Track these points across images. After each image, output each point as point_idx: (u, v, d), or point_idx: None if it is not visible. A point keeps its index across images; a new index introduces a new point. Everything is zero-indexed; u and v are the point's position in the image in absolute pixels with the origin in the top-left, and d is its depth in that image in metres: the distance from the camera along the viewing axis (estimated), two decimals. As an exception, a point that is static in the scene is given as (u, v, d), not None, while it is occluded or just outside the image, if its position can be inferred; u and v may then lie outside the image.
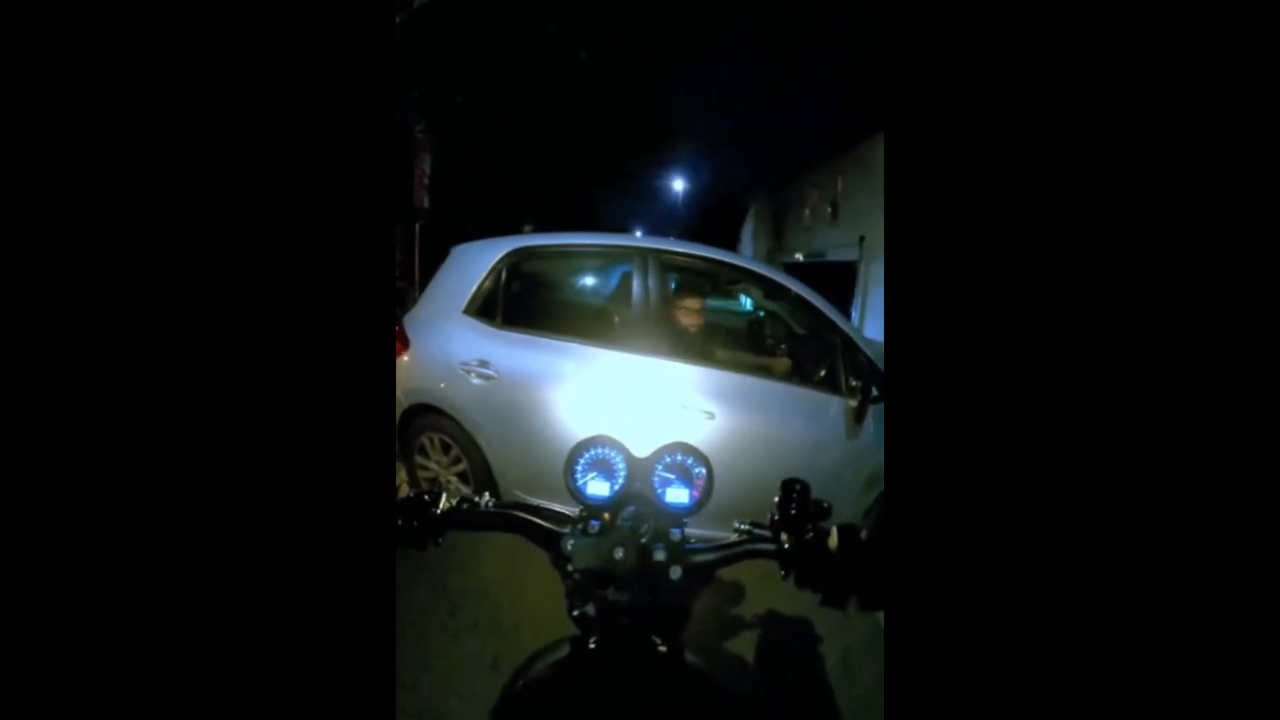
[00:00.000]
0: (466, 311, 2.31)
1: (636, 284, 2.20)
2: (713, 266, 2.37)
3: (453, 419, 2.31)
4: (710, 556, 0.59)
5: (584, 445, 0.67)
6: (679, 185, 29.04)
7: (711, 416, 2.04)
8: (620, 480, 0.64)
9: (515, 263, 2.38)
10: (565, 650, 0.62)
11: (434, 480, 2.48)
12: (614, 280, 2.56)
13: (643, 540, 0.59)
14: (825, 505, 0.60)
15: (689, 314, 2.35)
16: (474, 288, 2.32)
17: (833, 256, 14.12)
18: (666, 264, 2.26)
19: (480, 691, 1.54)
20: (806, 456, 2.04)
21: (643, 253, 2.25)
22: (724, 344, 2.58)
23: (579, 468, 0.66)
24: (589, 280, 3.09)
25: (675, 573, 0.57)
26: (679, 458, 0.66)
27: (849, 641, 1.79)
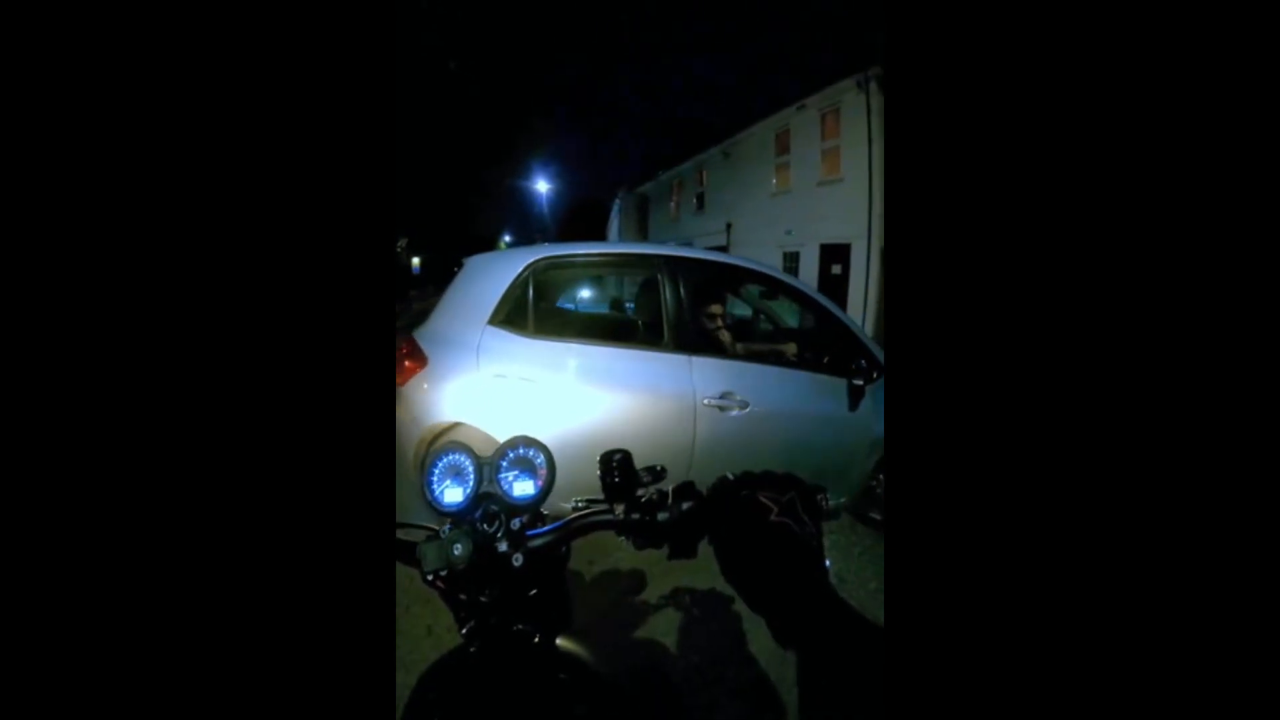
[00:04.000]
0: (493, 323, 2.22)
1: (665, 290, 2.33)
2: (726, 270, 2.57)
3: (482, 432, 2.15)
4: (548, 538, 0.63)
5: (435, 454, 0.68)
6: (543, 187, 28.73)
7: (745, 406, 2.18)
8: (470, 484, 0.67)
9: (540, 273, 2.33)
10: (450, 662, 0.67)
11: None
12: (628, 288, 2.55)
13: (489, 533, 0.62)
14: (659, 469, 0.66)
15: (712, 313, 2.53)
16: (498, 299, 2.24)
17: (701, 244, 14.88)
18: (687, 270, 2.38)
19: (420, 659, 1.61)
20: (823, 430, 2.31)
21: (666, 261, 2.36)
22: (740, 339, 2.72)
23: (434, 477, 0.67)
24: (607, 288, 3.07)
25: (517, 560, 0.60)
26: (520, 451, 0.70)
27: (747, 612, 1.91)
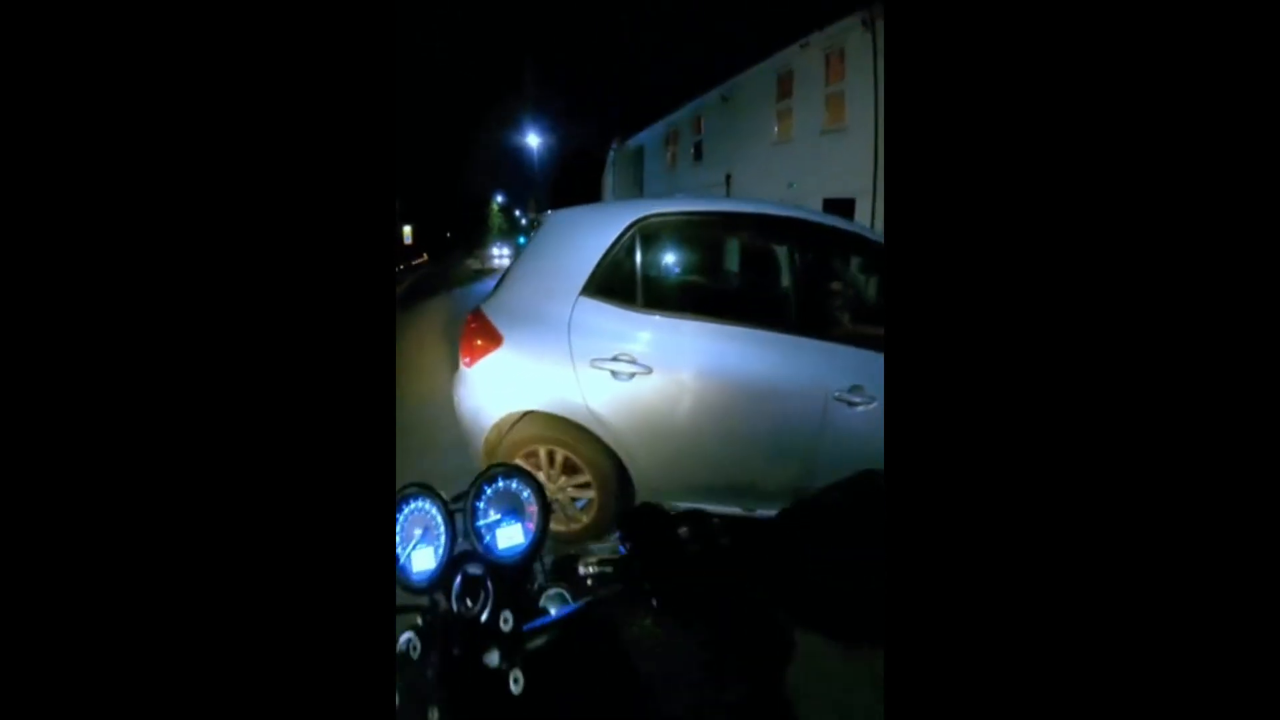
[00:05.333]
0: (587, 294, 1.85)
1: (795, 259, 1.98)
2: (849, 239, 2.16)
3: (573, 425, 1.86)
4: (554, 634, 0.45)
5: (398, 500, 0.54)
6: (534, 141, 27.60)
7: (872, 401, 1.81)
8: (442, 542, 0.53)
9: (646, 233, 1.91)
10: None
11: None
12: (735, 253, 2.29)
13: (470, 615, 0.47)
14: (702, 514, 0.49)
15: (834, 289, 2.22)
16: (594, 264, 1.86)
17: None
18: (816, 236, 2.06)
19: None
20: None
21: (795, 225, 2.00)
22: (855, 321, 2.31)
23: (400, 538, 0.52)
24: (720, 253, 2.69)
25: (516, 684, 0.41)
26: (501, 485, 0.56)
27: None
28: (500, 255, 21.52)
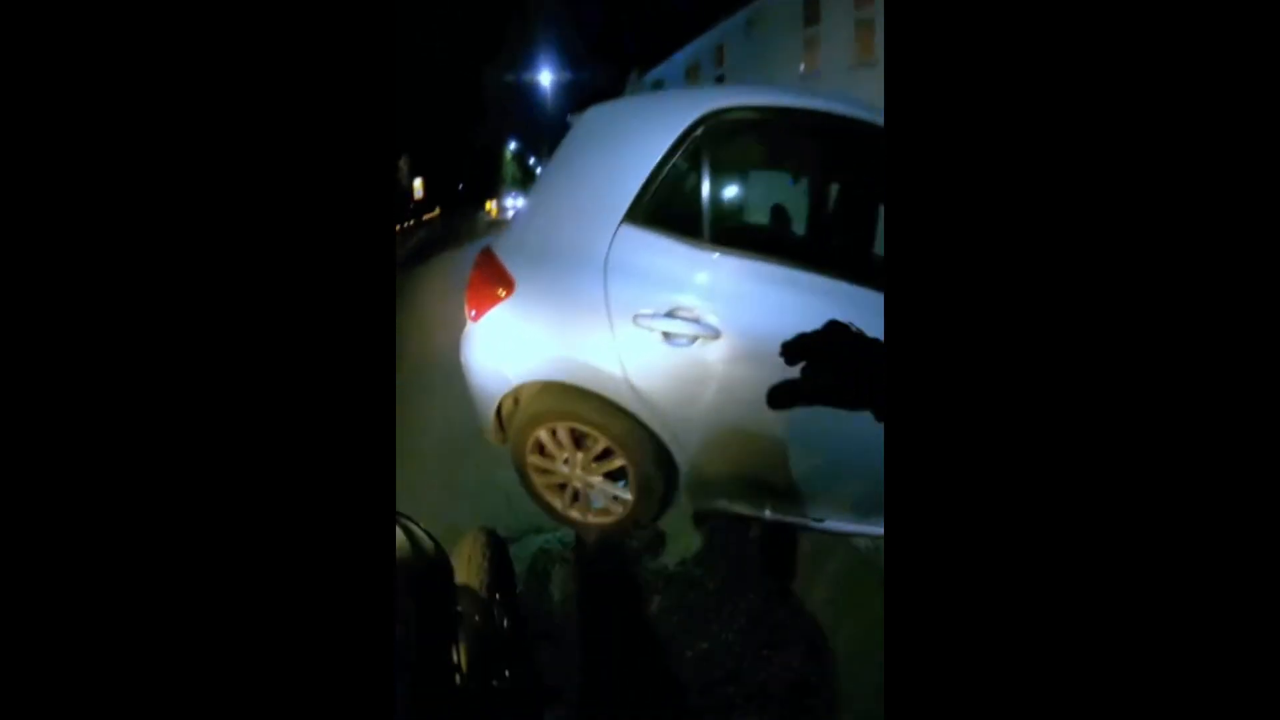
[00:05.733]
0: (632, 221, 1.29)
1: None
2: None
3: (605, 401, 1.38)
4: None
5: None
6: (547, 80, 26.30)
7: None
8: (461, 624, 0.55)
9: (718, 135, 1.29)
10: None
11: (562, 487, 1.64)
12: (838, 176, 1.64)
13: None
14: None
15: None
16: (644, 179, 1.27)
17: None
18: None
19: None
20: None
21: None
22: None
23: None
24: (822, 173, 1.85)
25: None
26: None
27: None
28: (515, 206, 21.04)
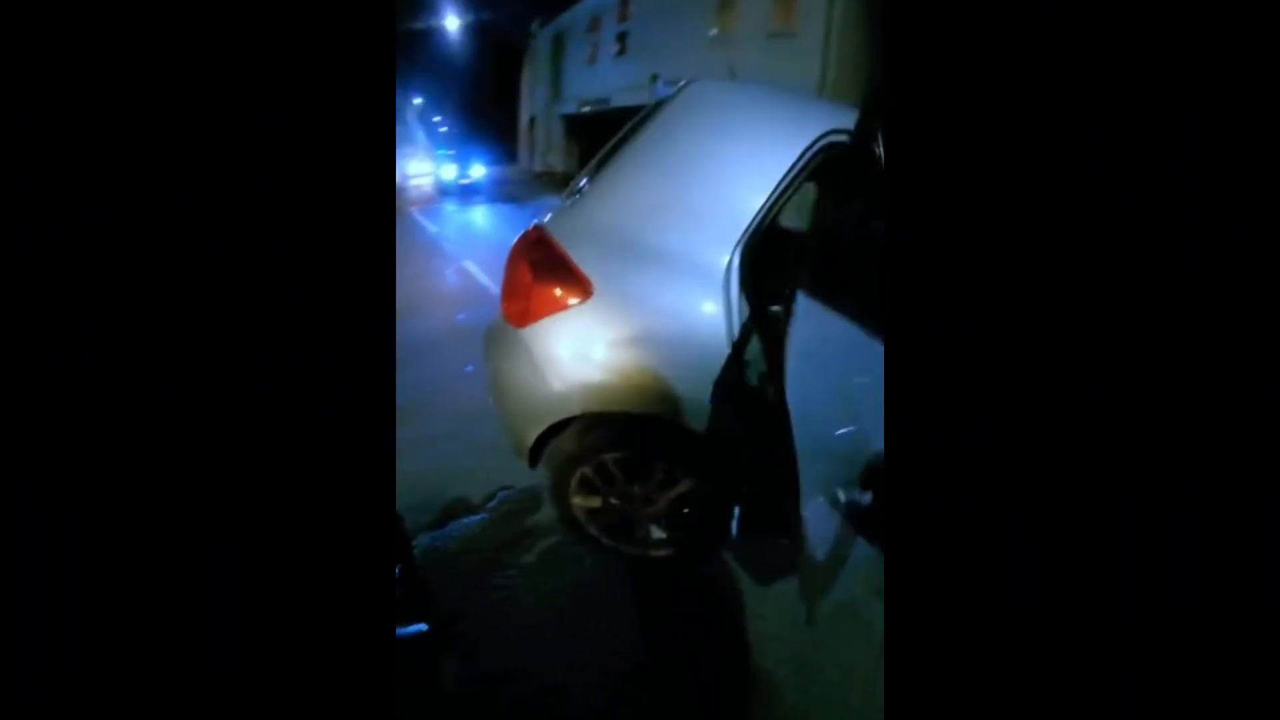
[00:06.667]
0: (752, 238, 1.14)
1: None
2: None
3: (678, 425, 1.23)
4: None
5: None
6: (453, 25, 23.19)
7: None
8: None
9: (831, 157, 1.18)
10: None
11: (619, 521, 1.44)
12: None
13: None
14: None
15: None
16: (773, 192, 1.13)
17: (619, 101, 11.90)
18: None
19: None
20: None
21: None
22: None
23: None
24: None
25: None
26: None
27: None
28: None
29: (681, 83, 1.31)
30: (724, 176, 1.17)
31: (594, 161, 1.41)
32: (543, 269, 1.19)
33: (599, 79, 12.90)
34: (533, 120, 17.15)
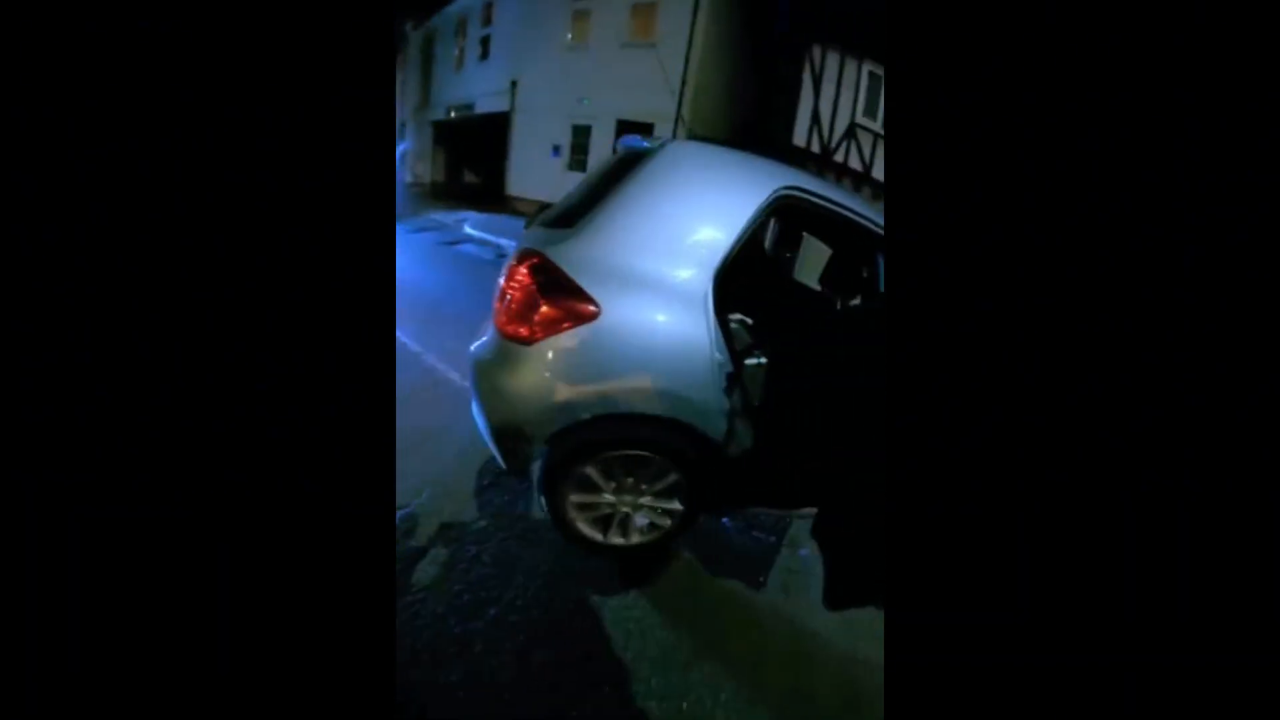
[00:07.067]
0: (720, 269, 1.42)
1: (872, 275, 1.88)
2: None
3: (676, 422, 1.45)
4: None
5: None
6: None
7: None
8: None
9: (784, 210, 1.73)
10: None
11: (606, 517, 1.62)
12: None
13: None
14: None
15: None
16: (737, 233, 1.43)
17: (482, 106, 11.25)
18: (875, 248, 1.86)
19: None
20: None
21: (875, 238, 1.70)
22: None
23: None
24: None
25: None
26: None
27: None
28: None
29: (660, 141, 1.57)
30: (708, 219, 1.45)
31: (570, 194, 1.67)
32: (554, 291, 1.34)
33: (464, 82, 12.21)
34: (403, 126, 16.05)
